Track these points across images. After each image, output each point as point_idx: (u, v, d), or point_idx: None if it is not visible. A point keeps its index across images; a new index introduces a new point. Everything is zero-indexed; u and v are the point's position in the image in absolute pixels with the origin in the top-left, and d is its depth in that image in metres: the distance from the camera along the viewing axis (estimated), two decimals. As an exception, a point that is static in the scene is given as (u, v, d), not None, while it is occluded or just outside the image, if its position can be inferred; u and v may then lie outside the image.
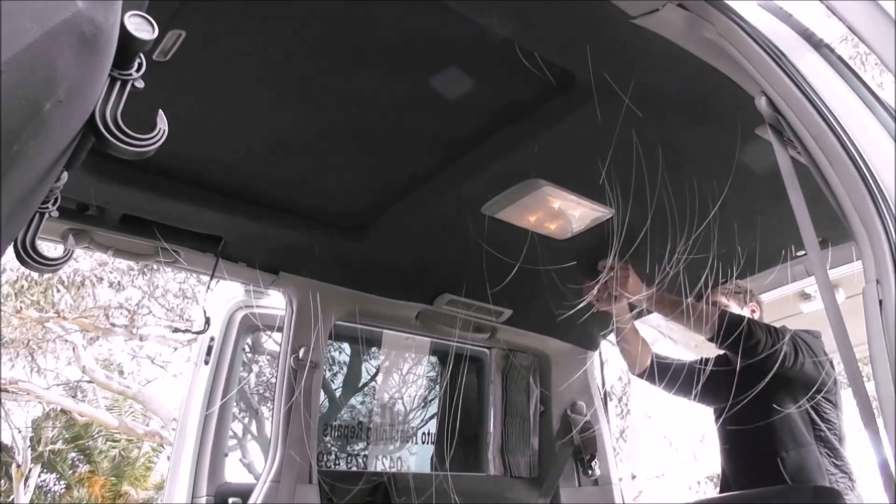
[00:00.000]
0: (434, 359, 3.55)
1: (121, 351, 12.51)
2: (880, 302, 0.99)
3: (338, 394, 3.87)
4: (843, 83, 1.20)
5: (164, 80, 1.57)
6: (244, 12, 1.52)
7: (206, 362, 2.75)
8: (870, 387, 1.03)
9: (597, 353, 3.36)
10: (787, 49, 1.22)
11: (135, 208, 2.14)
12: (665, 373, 2.69)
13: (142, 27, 0.64)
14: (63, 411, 12.40)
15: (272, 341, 4.24)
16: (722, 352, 2.59)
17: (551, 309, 2.51)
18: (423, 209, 2.31)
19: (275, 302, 2.84)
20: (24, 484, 13.46)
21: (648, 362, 2.72)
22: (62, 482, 14.70)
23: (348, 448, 3.35)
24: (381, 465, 3.41)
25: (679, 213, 1.97)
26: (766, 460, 2.42)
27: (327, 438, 3.26)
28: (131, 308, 10.52)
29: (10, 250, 0.72)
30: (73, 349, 10.63)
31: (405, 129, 1.97)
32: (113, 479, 14.30)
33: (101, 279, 9.93)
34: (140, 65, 0.68)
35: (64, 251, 0.84)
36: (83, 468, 14.68)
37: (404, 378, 4.17)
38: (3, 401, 11.29)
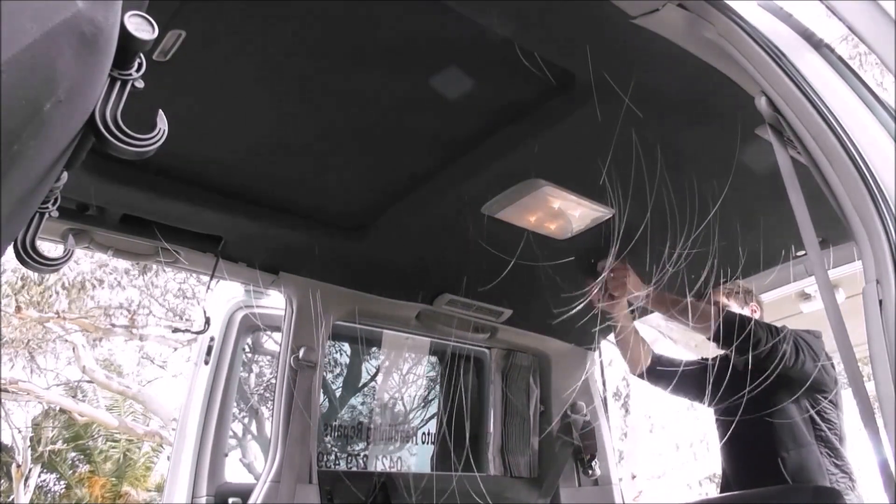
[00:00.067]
0: (434, 359, 3.55)
1: (121, 351, 12.54)
2: (880, 302, 0.99)
3: (338, 394, 3.87)
4: (843, 83, 1.20)
5: (164, 80, 1.57)
6: (244, 12, 1.52)
7: (206, 362, 2.75)
8: (870, 387, 1.03)
9: (597, 353, 3.36)
10: (787, 49, 1.22)
11: (135, 208, 2.14)
12: (665, 373, 2.70)
13: (142, 27, 0.64)
14: (63, 411, 12.40)
15: (272, 341, 4.24)
16: (723, 352, 2.59)
17: (551, 309, 2.52)
18: (423, 209, 2.31)
19: (275, 302, 2.84)
20: (24, 484, 13.46)
21: (648, 362, 2.72)
22: (62, 482, 14.69)
23: (348, 448, 3.35)
24: (381, 465, 3.41)
25: (679, 213, 1.98)
26: (767, 460, 2.42)
27: (327, 438, 3.26)
28: (131, 308, 10.53)
29: (10, 250, 0.72)
30: (73, 349, 10.64)
31: (405, 129, 1.97)
32: (113, 479, 14.29)
33: (101, 281, 9.94)
34: (140, 65, 0.68)
35: (64, 251, 0.84)
36: (83, 468, 14.67)
37: (404, 378, 4.17)
38: (3, 401, 11.29)
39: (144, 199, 2.09)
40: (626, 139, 1.78)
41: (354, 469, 3.23)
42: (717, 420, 2.69)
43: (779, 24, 1.27)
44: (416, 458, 3.57)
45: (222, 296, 2.86)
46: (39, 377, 11.38)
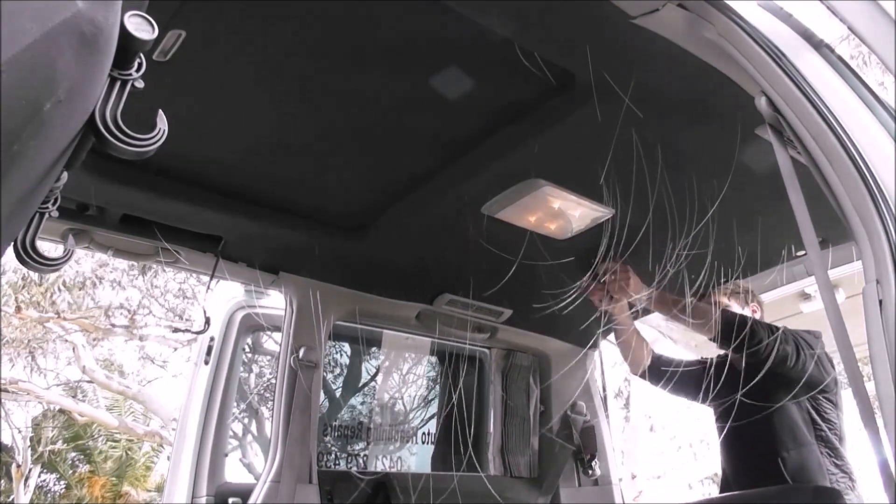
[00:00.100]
0: (434, 359, 3.55)
1: (121, 351, 12.54)
2: (880, 302, 0.99)
3: (338, 394, 3.87)
4: (843, 83, 1.20)
5: (164, 80, 1.57)
6: (244, 12, 1.52)
7: (206, 362, 2.76)
8: (870, 387, 1.03)
9: (597, 353, 3.36)
10: (787, 49, 1.22)
11: (135, 208, 2.14)
12: (664, 373, 2.70)
13: (142, 27, 0.64)
14: (63, 411, 12.40)
15: (272, 341, 4.24)
16: (723, 352, 2.59)
17: (551, 308, 2.51)
18: (423, 209, 2.31)
19: (275, 302, 2.84)
20: (24, 484, 13.46)
21: (648, 362, 2.72)
22: (62, 482, 14.69)
23: (348, 448, 3.35)
24: (381, 465, 3.42)
25: (679, 213, 1.98)
26: (767, 460, 2.42)
27: (327, 438, 3.26)
28: (131, 308, 10.53)
29: (10, 250, 0.72)
30: (74, 349, 10.64)
31: (405, 129, 1.97)
32: (114, 479, 14.29)
33: (101, 279, 9.94)
34: (140, 65, 0.68)
35: (64, 251, 0.84)
36: (83, 468, 14.67)
37: (404, 378, 4.17)
38: (3, 401, 11.29)
39: (144, 199, 2.09)
40: (626, 139, 1.78)
41: (354, 469, 3.23)
42: (717, 420, 2.69)
43: (779, 24, 1.27)
44: (415, 458, 3.58)
45: (222, 296, 2.86)
46: (39, 377, 11.38)
